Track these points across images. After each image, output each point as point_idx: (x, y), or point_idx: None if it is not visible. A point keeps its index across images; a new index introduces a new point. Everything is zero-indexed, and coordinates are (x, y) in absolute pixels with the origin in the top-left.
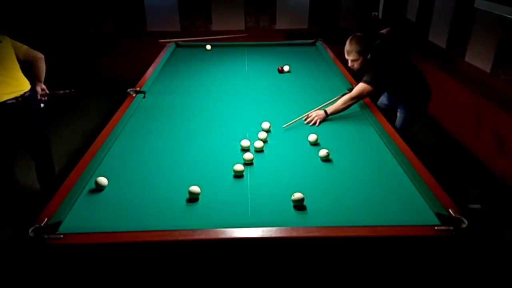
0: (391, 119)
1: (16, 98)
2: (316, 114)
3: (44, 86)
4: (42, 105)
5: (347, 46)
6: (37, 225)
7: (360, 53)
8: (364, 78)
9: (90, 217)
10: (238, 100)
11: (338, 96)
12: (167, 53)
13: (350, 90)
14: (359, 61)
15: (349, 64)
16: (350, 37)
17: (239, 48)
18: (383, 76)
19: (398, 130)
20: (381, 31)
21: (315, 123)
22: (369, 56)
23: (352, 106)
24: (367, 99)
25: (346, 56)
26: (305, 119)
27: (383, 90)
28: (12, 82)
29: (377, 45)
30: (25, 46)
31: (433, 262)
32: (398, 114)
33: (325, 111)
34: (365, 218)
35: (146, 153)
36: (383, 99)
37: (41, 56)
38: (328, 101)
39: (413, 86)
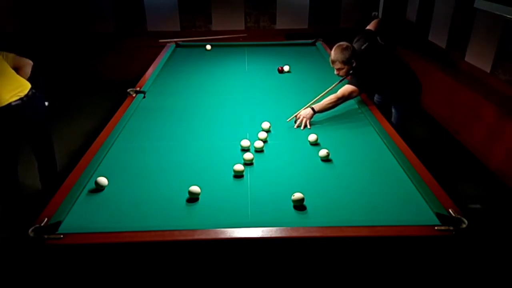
0: (386, 114)
1: (21, 98)
2: (304, 114)
3: None
4: (46, 103)
5: (332, 56)
6: (37, 225)
7: (344, 62)
8: (350, 80)
9: (90, 217)
10: (238, 100)
11: (333, 85)
12: (167, 53)
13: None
14: (344, 70)
15: (335, 72)
16: (334, 47)
17: (239, 48)
18: (369, 79)
19: (394, 128)
20: (368, 27)
21: (306, 126)
22: (354, 64)
23: (351, 105)
24: (367, 99)
25: (332, 65)
26: (295, 121)
27: (376, 91)
28: (14, 86)
29: (363, 50)
30: (12, 54)
31: (433, 262)
32: (394, 112)
33: (312, 108)
34: (365, 218)
35: (146, 153)
36: (378, 96)
37: (29, 62)
38: (326, 100)
39: (408, 86)
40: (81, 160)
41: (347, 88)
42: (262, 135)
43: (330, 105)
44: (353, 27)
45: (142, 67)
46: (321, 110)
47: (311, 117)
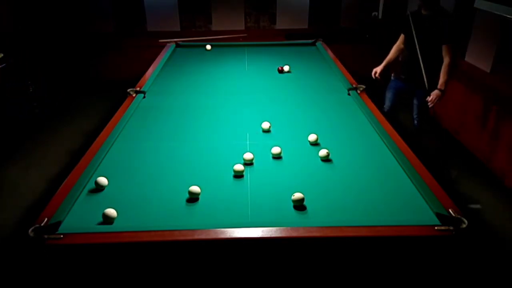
0: (393, 117)
1: None
2: (436, 96)
3: None
4: None
5: None
6: (37, 225)
7: None
8: (447, 40)
9: (90, 217)
10: (238, 100)
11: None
12: (167, 53)
13: (352, 88)
14: None
15: None
16: None
17: (239, 48)
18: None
19: (421, 115)
20: None
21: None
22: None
23: (351, 105)
24: (367, 98)
25: None
26: (429, 103)
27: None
28: None
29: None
30: None
31: (433, 262)
32: (417, 101)
33: (440, 90)
34: (365, 218)
35: (146, 153)
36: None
37: None
38: (328, 102)
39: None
40: (81, 160)
41: (449, 50)
42: (276, 150)
43: (450, 74)
44: (353, 27)
45: (142, 67)
46: (446, 84)
47: (439, 96)
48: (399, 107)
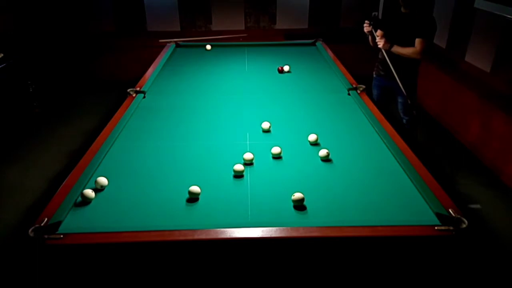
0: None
1: None
2: (384, 42)
3: None
4: None
5: None
6: (37, 225)
7: None
8: (420, 35)
9: (90, 217)
10: (238, 100)
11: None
12: (167, 53)
13: (352, 88)
14: None
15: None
16: None
17: (239, 48)
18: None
19: (405, 114)
20: None
21: (371, 35)
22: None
23: (351, 105)
24: (367, 98)
25: None
26: (376, 38)
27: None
28: None
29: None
30: None
31: (433, 262)
32: (400, 98)
33: (391, 46)
34: (365, 218)
35: (146, 153)
36: (377, 92)
37: None
38: (328, 102)
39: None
40: (81, 160)
41: (420, 42)
42: (276, 150)
43: (406, 55)
44: (353, 27)
45: (142, 67)
46: (396, 53)
47: (383, 46)
48: (387, 104)
